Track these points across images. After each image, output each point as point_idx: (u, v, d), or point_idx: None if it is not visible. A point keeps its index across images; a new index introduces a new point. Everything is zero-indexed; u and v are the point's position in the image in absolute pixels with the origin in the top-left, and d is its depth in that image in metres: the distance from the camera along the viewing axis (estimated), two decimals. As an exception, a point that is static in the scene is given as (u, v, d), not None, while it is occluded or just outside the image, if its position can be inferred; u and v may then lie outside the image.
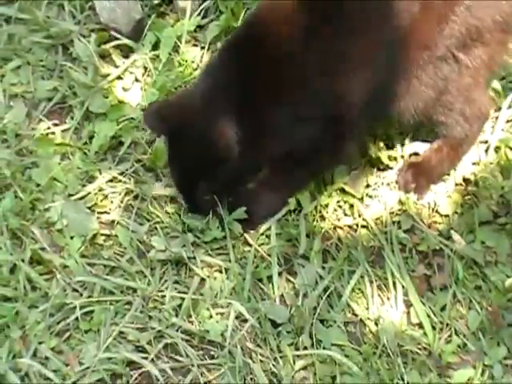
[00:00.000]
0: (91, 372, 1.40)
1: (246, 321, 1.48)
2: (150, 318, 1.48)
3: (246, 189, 1.60)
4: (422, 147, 1.70)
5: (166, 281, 1.53)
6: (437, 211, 1.64)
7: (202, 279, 1.54)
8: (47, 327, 1.45)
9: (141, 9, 1.97)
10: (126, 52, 1.91)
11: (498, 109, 1.77)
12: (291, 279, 1.55)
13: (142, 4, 1.99)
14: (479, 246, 1.57)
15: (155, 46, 1.91)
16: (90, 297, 1.49)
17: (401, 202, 1.65)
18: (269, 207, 1.60)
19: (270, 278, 1.55)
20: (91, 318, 1.46)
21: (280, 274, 1.55)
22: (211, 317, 1.48)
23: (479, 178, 1.65)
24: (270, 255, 1.57)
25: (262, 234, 1.60)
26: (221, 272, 1.55)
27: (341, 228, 1.62)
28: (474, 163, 1.69)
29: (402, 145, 1.72)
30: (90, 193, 1.64)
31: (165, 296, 1.50)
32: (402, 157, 1.70)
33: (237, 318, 1.49)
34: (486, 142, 1.72)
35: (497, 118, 1.76)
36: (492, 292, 1.51)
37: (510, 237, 1.57)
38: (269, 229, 1.59)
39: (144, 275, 1.54)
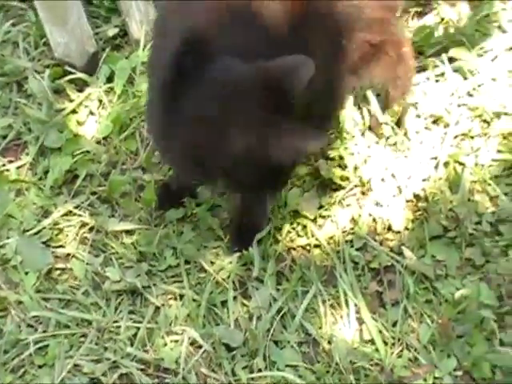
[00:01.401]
0: (47, 406, 1.44)
1: (200, 346, 1.53)
2: (106, 349, 1.53)
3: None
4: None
5: (121, 311, 1.58)
6: (389, 228, 1.69)
7: (157, 307, 1.59)
8: (2, 364, 1.50)
9: (95, 42, 2.03)
10: (81, 86, 1.96)
11: (447, 125, 1.83)
12: (246, 303, 1.59)
13: (97, 37, 2.05)
14: (430, 261, 1.62)
15: (110, 79, 1.97)
16: (44, 331, 1.54)
17: (353, 221, 1.70)
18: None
19: (225, 302, 1.59)
20: (46, 353, 1.51)
21: (235, 298, 1.60)
22: (166, 344, 1.53)
23: (429, 193, 1.71)
24: (225, 280, 1.61)
25: (218, 259, 1.64)
26: (176, 299, 1.60)
27: (294, 249, 1.68)
28: (424, 179, 1.75)
29: (355, 167, 1.76)
30: (45, 227, 1.70)
31: (120, 326, 1.55)
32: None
33: (192, 344, 1.54)
34: (436, 157, 1.77)
35: (445, 133, 1.82)
36: (442, 305, 1.55)
37: (459, 250, 1.63)
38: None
39: (99, 307, 1.59)
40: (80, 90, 1.94)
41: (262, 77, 1.35)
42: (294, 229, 1.69)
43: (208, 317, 1.56)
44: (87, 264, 1.63)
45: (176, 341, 1.52)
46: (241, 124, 1.34)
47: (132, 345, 1.52)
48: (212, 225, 1.68)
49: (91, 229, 1.69)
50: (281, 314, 1.56)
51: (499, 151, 1.76)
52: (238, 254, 1.63)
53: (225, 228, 1.68)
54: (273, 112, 1.35)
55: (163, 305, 1.57)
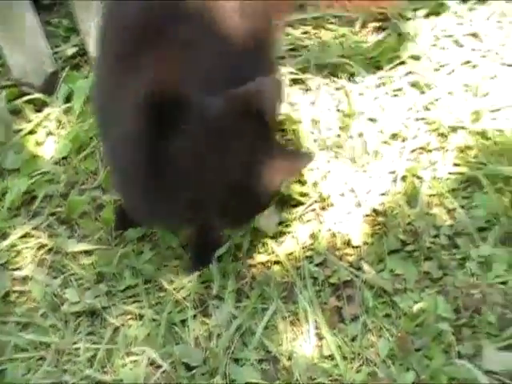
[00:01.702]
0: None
1: (160, 366, 1.53)
2: (64, 371, 1.53)
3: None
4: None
5: (79, 332, 1.59)
6: (348, 243, 1.71)
7: (117, 328, 1.60)
8: (-41, 389, 1.50)
9: (54, 62, 2.03)
10: (40, 106, 1.98)
11: (405, 139, 1.86)
12: (206, 321, 1.60)
13: (56, 57, 2.06)
14: (388, 275, 1.64)
15: (69, 99, 1.98)
16: (1, 356, 1.54)
17: (313, 237, 1.72)
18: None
19: (184, 321, 1.60)
20: (3, 377, 1.51)
21: (195, 316, 1.62)
22: (125, 365, 1.54)
23: (387, 208, 1.74)
24: (185, 298, 1.62)
25: (177, 278, 1.65)
26: (135, 319, 1.60)
27: (254, 266, 1.69)
28: (382, 194, 1.78)
29: (314, 183, 1.78)
30: (2, 250, 1.70)
31: (79, 348, 1.56)
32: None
33: (151, 364, 1.55)
34: (394, 172, 1.80)
35: (403, 147, 1.85)
36: (401, 319, 1.57)
37: (417, 264, 1.65)
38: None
39: (58, 329, 1.59)
40: (39, 110, 1.96)
41: (239, 105, 1.38)
42: (253, 246, 1.71)
43: (168, 336, 1.57)
44: (46, 286, 1.63)
45: (135, 361, 1.53)
46: (237, 156, 1.37)
47: (91, 366, 1.52)
48: (171, 243, 1.69)
49: (50, 250, 1.70)
50: (241, 332, 1.57)
51: (456, 164, 1.79)
52: (197, 273, 1.64)
53: (184, 246, 1.68)
54: (259, 137, 1.39)
55: (122, 325, 1.58)
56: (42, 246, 1.71)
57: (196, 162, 1.37)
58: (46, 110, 1.96)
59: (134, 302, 1.63)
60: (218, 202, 1.40)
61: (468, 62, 2.00)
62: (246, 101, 1.39)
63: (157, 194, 1.42)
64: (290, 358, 1.54)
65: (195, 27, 1.40)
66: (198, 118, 1.38)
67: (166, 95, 1.35)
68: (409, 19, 2.08)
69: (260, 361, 1.55)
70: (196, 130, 1.38)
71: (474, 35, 2.06)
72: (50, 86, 2.03)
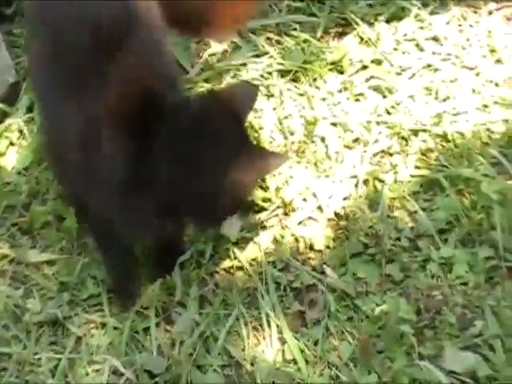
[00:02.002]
0: None
1: (122, 374, 1.54)
2: (26, 382, 1.54)
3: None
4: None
5: (41, 343, 1.59)
6: (311, 247, 1.73)
7: (79, 337, 1.60)
8: None
9: (15, 72, 2.04)
10: (1, 117, 1.97)
11: (366, 143, 1.88)
12: (169, 328, 1.62)
13: (17, 67, 2.06)
14: (350, 278, 1.66)
15: (30, 109, 1.98)
16: (-38, 368, 1.54)
17: (276, 242, 1.73)
18: None
19: (147, 329, 1.61)
20: (-36, 389, 1.52)
21: (158, 324, 1.62)
22: (87, 374, 1.54)
23: (349, 211, 1.76)
24: (147, 307, 1.63)
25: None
26: (98, 328, 1.61)
27: (217, 273, 1.71)
28: (344, 198, 1.80)
29: (276, 188, 1.80)
30: (-37, 261, 1.70)
31: (41, 358, 1.56)
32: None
33: (114, 372, 1.56)
34: (356, 176, 1.82)
35: (365, 151, 1.87)
36: (363, 322, 1.59)
37: (379, 266, 1.67)
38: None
39: (19, 339, 1.59)
40: (0, 121, 1.94)
41: (219, 106, 1.45)
42: (216, 252, 1.72)
43: (130, 344, 1.57)
44: (7, 297, 1.64)
45: (98, 370, 1.53)
46: (214, 155, 1.41)
47: (53, 376, 1.53)
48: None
49: (11, 261, 1.70)
50: (203, 338, 1.57)
51: (417, 167, 1.82)
52: (160, 280, 1.64)
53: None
54: (235, 137, 1.44)
55: (85, 334, 1.59)
56: (3, 257, 1.71)
57: (175, 162, 1.41)
58: (8, 121, 1.96)
59: (97, 311, 1.64)
60: (194, 202, 1.43)
61: (429, 66, 2.03)
62: (226, 102, 1.45)
63: (134, 200, 1.44)
64: (252, 363, 1.56)
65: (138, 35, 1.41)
66: (175, 118, 1.42)
67: (142, 95, 1.39)
68: (371, 24, 2.09)
69: (223, 366, 1.57)
70: (175, 129, 1.42)
71: (435, 39, 2.09)
72: (11, 96, 2.03)
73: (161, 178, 1.39)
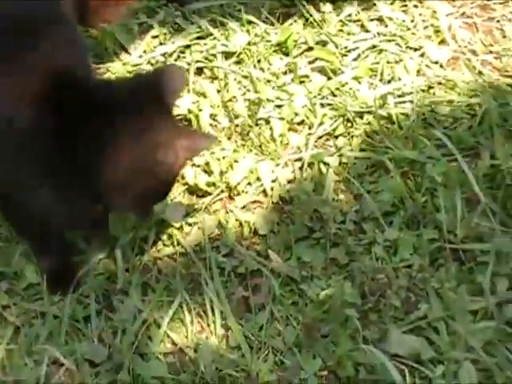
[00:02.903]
0: None
1: (62, 365, 1.52)
2: (-38, 374, 1.50)
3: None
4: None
5: (-22, 333, 1.56)
6: (255, 232, 1.72)
7: (18, 327, 1.57)
8: None
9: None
10: None
11: (311, 125, 1.87)
12: (111, 316, 1.59)
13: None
14: (295, 263, 1.66)
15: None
16: None
17: (220, 227, 1.72)
18: None
19: (88, 317, 1.59)
20: None
21: (100, 312, 1.60)
22: (26, 365, 1.52)
23: (294, 195, 1.75)
24: (88, 296, 1.61)
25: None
26: (37, 318, 1.59)
27: (160, 259, 1.69)
28: (289, 181, 1.79)
29: (221, 172, 1.78)
30: None
31: (-23, 350, 1.53)
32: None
33: (54, 362, 1.53)
34: (300, 159, 1.81)
35: (310, 134, 1.86)
36: (308, 306, 1.58)
37: (324, 250, 1.67)
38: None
39: (-46, 330, 1.56)
40: None
41: (147, 89, 1.45)
42: (159, 238, 1.70)
43: (71, 334, 1.55)
44: None
45: (36, 361, 1.51)
46: (142, 135, 1.41)
47: (-10, 368, 1.50)
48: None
49: None
50: (146, 326, 1.55)
51: (362, 149, 1.82)
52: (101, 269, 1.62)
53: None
54: (162, 119, 1.44)
55: (23, 325, 1.55)
56: None
57: (105, 144, 1.41)
58: None
59: (36, 300, 1.61)
60: (123, 183, 1.43)
61: (374, 47, 2.03)
62: (150, 84, 1.46)
63: (61, 188, 1.45)
64: (196, 350, 1.55)
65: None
66: (95, 102, 1.43)
67: (66, 80, 1.39)
68: (315, 5, 2.08)
69: (165, 354, 1.55)
70: (95, 112, 1.42)
71: (380, 20, 2.08)
72: None
73: (83, 163, 1.37)
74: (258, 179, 1.81)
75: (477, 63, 1.99)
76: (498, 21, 2.10)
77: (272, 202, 1.76)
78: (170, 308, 1.61)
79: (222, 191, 1.80)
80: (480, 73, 1.97)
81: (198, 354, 1.54)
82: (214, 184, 1.79)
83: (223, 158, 1.83)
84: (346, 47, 2.04)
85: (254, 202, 1.78)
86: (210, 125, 1.91)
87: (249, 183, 1.80)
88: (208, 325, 1.59)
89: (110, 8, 1.83)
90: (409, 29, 2.07)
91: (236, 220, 1.75)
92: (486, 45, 2.04)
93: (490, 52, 2.02)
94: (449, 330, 1.53)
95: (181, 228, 1.73)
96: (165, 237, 1.71)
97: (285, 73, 2.00)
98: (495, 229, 1.65)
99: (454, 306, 1.55)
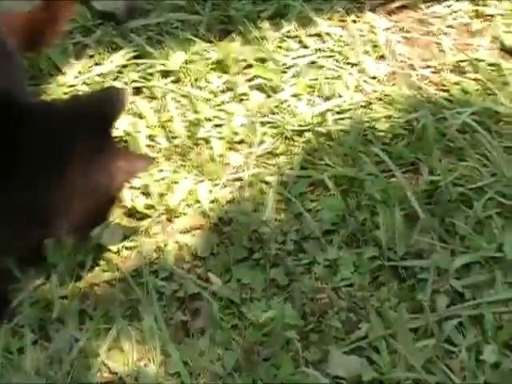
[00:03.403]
0: None
1: (-4, 399, 1.49)
2: None
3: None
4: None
5: None
6: (195, 255, 1.70)
7: (-51, 361, 1.54)
8: None
9: None
10: None
11: (251, 144, 1.86)
12: (47, 345, 1.56)
13: None
14: (235, 285, 1.64)
15: None
16: None
17: (159, 250, 1.70)
18: None
19: (23, 348, 1.56)
20: None
21: (35, 342, 1.57)
22: (-42, 400, 1.48)
23: (234, 216, 1.73)
24: (23, 326, 1.58)
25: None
26: (-31, 350, 1.55)
27: (98, 285, 1.66)
28: (228, 201, 1.78)
29: (159, 194, 1.77)
30: None
31: None
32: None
33: (-12, 396, 1.50)
34: (240, 179, 1.80)
35: (250, 153, 1.85)
36: (248, 329, 1.57)
37: (264, 271, 1.66)
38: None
39: None
40: None
41: (87, 109, 1.47)
42: (97, 264, 1.67)
43: (6, 366, 1.52)
44: None
45: (-32, 395, 1.47)
46: (79, 156, 1.42)
47: None
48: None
49: None
50: (83, 355, 1.53)
51: (302, 168, 1.81)
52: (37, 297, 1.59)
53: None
54: (101, 140, 1.46)
55: (-46, 358, 1.52)
56: None
57: (42, 168, 1.41)
58: None
59: (-31, 331, 1.57)
60: (61, 207, 1.43)
61: (313, 63, 2.02)
62: (93, 108, 1.48)
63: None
64: (135, 379, 1.52)
65: None
66: (37, 126, 1.44)
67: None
68: (254, 21, 2.08)
69: (104, 384, 1.52)
70: (38, 136, 1.43)
71: (318, 35, 2.08)
72: None
73: (19, 188, 1.36)
74: (198, 201, 1.78)
75: (415, 78, 1.99)
76: (436, 35, 2.10)
77: (211, 224, 1.74)
78: (108, 336, 1.58)
79: (161, 214, 1.77)
80: (418, 88, 1.96)
81: (137, 382, 1.51)
82: (152, 206, 1.77)
83: (162, 179, 1.81)
84: (284, 64, 2.03)
85: (194, 224, 1.75)
86: (148, 146, 1.87)
87: (188, 205, 1.78)
88: (147, 351, 1.56)
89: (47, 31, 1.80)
90: (347, 44, 2.07)
91: (175, 243, 1.73)
92: (424, 59, 2.04)
93: (428, 66, 2.03)
94: (389, 349, 1.53)
95: (119, 252, 1.71)
96: (102, 262, 1.69)
97: (223, 91, 1.99)
98: (434, 245, 1.63)
99: (394, 324, 1.55)
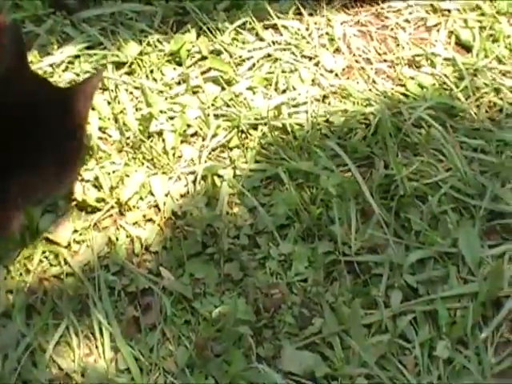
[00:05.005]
0: None
1: None
2: None
3: None
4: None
5: None
6: (147, 249, 1.68)
7: None
8: None
9: None
10: None
11: (205, 137, 1.85)
12: (-7, 342, 1.54)
13: None
14: (188, 280, 1.63)
15: None
16: None
17: (110, 244, 1.68)
18: None
19: (-32, 344, 1.53)
20: None
21: (-20, 338, 1.54)
22: None
23: (187, 210, 1.72)
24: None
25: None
26: None
27: (47, 280, 1.64)
28: (182, 195, 1.76)
29: (111, 187, 1.74)
30: None
31: None
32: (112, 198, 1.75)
33: None
34: (194, 172, 1.79)
35: (203, 146, 1.84)
36: (201, 325, 1.56)
37: (217, 266, 1.65)
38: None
39: None
40: None
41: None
42: (46, 258, 1.65)
43: (-51, 364, 1.49)
44: None
45: None
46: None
47: None
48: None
49: None
50: (30, 351, 1.50)
51: (257, 161, 1.80)
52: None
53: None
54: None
55: None
56: None
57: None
58: None
59: None
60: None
61: (269, 56, 2.01)
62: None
63: None
64: (83, 375, 1.50)
65: None
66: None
67: None
68: (209, 13, 2.06)
69: (51, 380, 1.51)
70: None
71: (275, 28, 2.07)
72: None
73: None
74: (150, 194, 1.76)
75: (371, 72, 1.99)
76: (392, 29, 2.11)
77: (164, 218, 1.72)
78: (56, 331, 1.57)
79: (112, 207, 1.76)
80: (374, 82, 1.96)
81: (85, 378, 1.50)
82: (103, 200, 1.75)
83: (113, 172, 1.79)
84: (240, 56, 2.02)
85: (146, 217, 1.73)
86: (100, 138, 1.84)
87: (140, 198, 1.76)
88: (96, 347, 1.55)
89: None
90: (304, 37, 2.06)
91: (127, 236, 1.71)
92: (380, 53, 2.05)
93: (384, 61, 2.03)
94: (343, 345, 1.53)
95: (68, 246, 1.69)
96: (51, 256, 1.67)
97: (178, 83, 1.97)
98: (388, 240, 1.64)
99: (348, 320, 1.54)
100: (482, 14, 2.16)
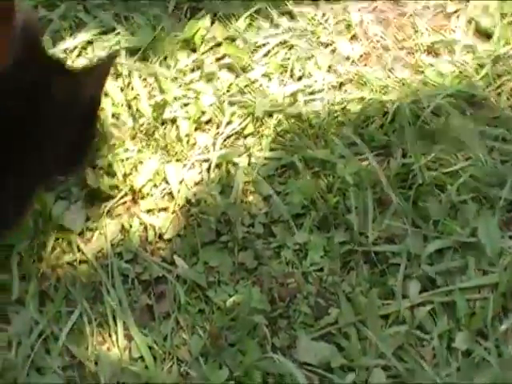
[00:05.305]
0: None
1: (-48, 383, 1.45)
2: None
3: None
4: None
5: None
6: (160, 237, 1.67)
7: None
8: None
9: None
10: None
11: (219, 124, 1.84)
12: (7, 327, 1.53)
13: None
14: (202, 268, 1.62)
15: None
16: None
17: (124, 231, 1.67)
18: None
19: (-20, 331, 1.52)
20: None
21: (-7, 325, 1.53)
22: None
23: (201, 197, 1.71)
24: (-21, 308, 1.55)
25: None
26: None
27: (60, 267, 1.63)
28: (196, 183, 1.75)
29: (124, 174, 1.73)
30: None
31: None
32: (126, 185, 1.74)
33: None
34: (208, 160, 1.77)
35: (218, 133, 1.82)
36: (215, 314, 1.54)
37: (231, 254, 1.63)
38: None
39: None
40: None
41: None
42: (59, 245, 1.64)
43: (-38, 351, 1.48)
44: None
45: None
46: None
47: None
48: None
49: None
50: (43, 338, 1.50)
51: (272, 149, 1.78)
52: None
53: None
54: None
55: None
56: None
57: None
58: None
59: None
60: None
61: (285, 43, 1.99)
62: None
63: None
64: (96, 363, 1.50)
65: None
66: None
67: None
68: (224, -1, 2.04)
69: (64, 368, 1.50)
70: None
71: (290, 14, 2.05)
72: None
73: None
74: (164, 181, 1.75)
75: (389, 59, 1.97)
76: (410, 15, 2.08)
77: (178, 205, 1.71)
78: (70, 319, 1.56)
79: (126, 194, 1.74)
80: (392, 69, 1.94)
81: (98, 366, 1.49)
82: (117, 187, 1.74)
83: (127, 159, 1.78)
84: (255, 43, 2.00)
85: (160, 205, 1.72)
86: (113, 124, 1.83)
87: (154, 185, 1.75)
88: (110, 335, 1.54)
89: None
90: (320, 24, 2.04)
91: (140, 224, 1.70)
92: (399, 40, 2.02)
93: (403, 48, 2.00)
94: (360, 336, 1.51)
95: (81, 234, 1.68)
96: (64, 243, 1.65)
97: (192, 70, 1.96)
98: (406, 229, 1.62)
99: (365, 310, 1.53)
100: (503, 0, 2.12)
